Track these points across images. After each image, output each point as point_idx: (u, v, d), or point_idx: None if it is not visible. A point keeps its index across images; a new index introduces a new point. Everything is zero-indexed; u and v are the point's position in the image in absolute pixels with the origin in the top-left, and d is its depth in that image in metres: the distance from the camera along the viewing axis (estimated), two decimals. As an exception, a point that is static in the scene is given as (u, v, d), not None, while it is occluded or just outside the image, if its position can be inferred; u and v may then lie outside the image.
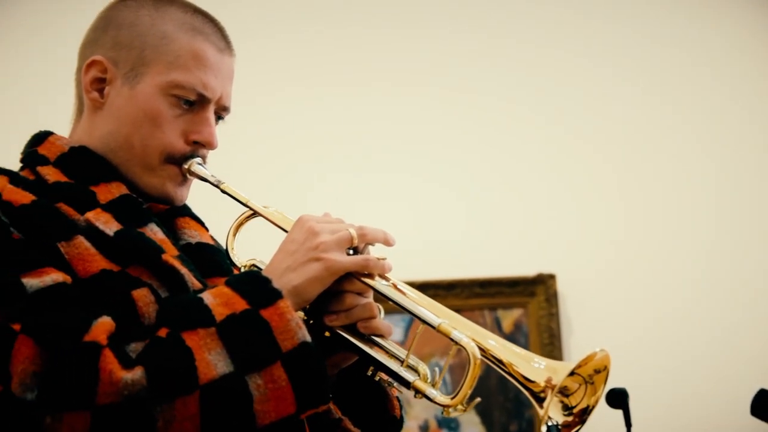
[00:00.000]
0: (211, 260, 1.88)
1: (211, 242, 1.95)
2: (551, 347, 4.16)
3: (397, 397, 1.91)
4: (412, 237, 4.14)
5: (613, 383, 2.01)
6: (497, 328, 4.24)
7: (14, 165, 1.84)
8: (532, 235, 4.35)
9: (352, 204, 4.16)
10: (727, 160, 4.38)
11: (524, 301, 4.29)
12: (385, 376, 1.78)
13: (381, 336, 1.77)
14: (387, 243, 1.77)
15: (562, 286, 4.28)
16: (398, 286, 1.77)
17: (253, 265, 1.84)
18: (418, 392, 1.73)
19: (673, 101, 4.44)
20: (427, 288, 4.08)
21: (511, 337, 4.14)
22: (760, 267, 4.28)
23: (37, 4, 4.59)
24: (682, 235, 4.32)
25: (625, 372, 2.37)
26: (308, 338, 1.62)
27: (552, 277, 4.28)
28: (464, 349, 1.69)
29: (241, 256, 1.88)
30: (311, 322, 1.74)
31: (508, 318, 4.30)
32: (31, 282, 1.59)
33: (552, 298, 4.26)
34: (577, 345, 4.21)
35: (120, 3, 1.92)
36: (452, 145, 4.47)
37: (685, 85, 4.44)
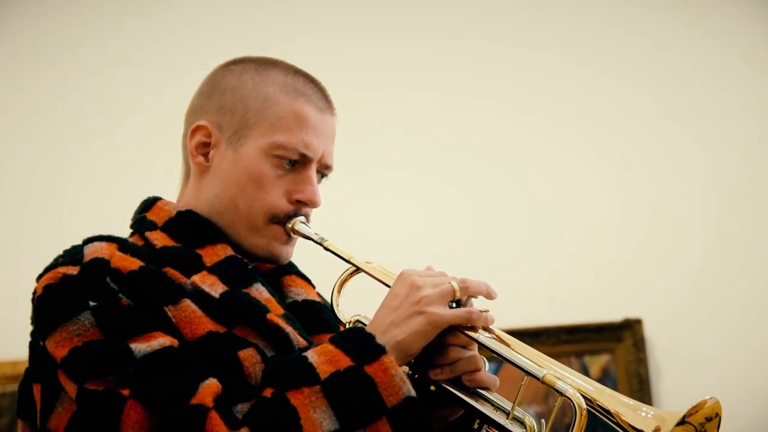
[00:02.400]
0: (318, 317, 1.90)
1: (318, 299, 1.97)
2: (641, 393, 4.10)
3: None
4: (498, 286, 4.11)
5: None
6: (585, 374, 4.18)
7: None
8: (618, 279, 4.30)
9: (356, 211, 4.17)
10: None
11: (611, 347, 4.24)
12: (492, 429, 1.77)
13: (486, 389, 1.76)
14: (489, 296, 1.78)
15: (649, 331, 4.22)
16: (502, 338, 1.77)
17: (358, 321, 1.85)
18: (524, 445, 1.72)
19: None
20: (513, 335, 4.07)
21: (599, 384, 4.08)
22: None
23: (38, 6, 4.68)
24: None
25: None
26: (413, 393, 1.62)
27: (639, 321, 4.22)
28: (570, 400, 1.68)
29: (347, 312, 1.89)
30: (416, 376, 1.74)
31: (596, 364, 4.25)
32: (140, 347, 1.62)
33: (639, 343, 4.19)
34: (667, 391, 4.14)
35: (224, 68, 1.97)
36: (532, 189, 4.45)
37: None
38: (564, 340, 4.22)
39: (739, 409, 3.95)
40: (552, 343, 4.20)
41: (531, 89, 4.49)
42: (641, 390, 4.12)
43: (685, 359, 4.18)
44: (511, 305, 4.18)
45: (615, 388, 4.07)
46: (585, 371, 4.22)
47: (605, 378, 4.21)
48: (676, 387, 4.13)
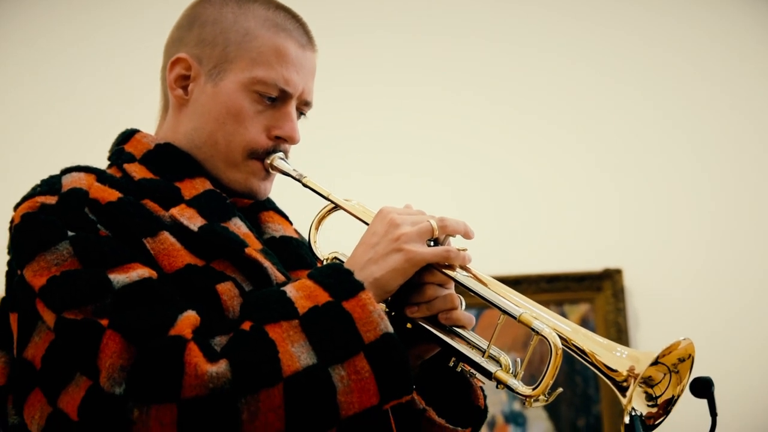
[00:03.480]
0: (295, 253, 1.89)
1: (295, 235, 1.96)
2: (619, 342, 4.11)
3: (481, 387, 1.91)
4: (479, 232, 4.12)
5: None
6: (564, 323, 4.21)
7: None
8: (599, 230, 4.34)
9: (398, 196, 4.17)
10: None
11: (591, 296, 4.27)
12: (467, 367, 1.78)
13: (462, 327, 1.77)
14: (467, 235, 1.78)
15: (629, 281, 4.26)
16: (479, 277, 1.77)
17: (336, 258, 1.85)
18: (499, 383, 1.72)
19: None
20: (493, 282, 4.10)
21: (578, 333, 4.11)
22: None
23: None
24: (748, 226, 4.28)
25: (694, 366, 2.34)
26: (390, 329, 1.62)
27: (618, 272, 4.26)
28: (546, 339, 1.69)
29: (324, 249, 1.89)
30: (393, 313, 1.75)
31: (575, 313, 4.28)
32: (118, 278, 1.61)
33: (619, 293, 4.23)
34: (645, 339, 4.17)
35: (205, 0, 1.94)
36: (514, 142, 4.47)
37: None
38: (544, 289, 4.25)
39: (714, 357, 4.00)
40: (532, 292, 4.22)
41: (525, 89, 4.50)
42: (619, 339, 4.15)
43: (664, 309, 4.21)
44: (492, 252, 4.20)
45: (593, 337, 4.10)
46: (564, 320, 4.24)
47: (584, 327, 4.20)
48: (654, 337, 4.16)
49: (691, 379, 1.73)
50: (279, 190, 1.98)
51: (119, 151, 1.88)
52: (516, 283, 4.22)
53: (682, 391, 1.72)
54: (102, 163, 1.88)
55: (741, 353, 4.12)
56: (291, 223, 2.00)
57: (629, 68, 4.47)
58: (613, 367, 1.71)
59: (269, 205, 1.98)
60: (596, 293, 4.26)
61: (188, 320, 1.59)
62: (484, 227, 4.16)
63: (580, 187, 4.40)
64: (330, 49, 4.40)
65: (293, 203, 2.06)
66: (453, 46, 4.56)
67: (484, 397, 1.92)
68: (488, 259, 4.10)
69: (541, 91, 4.49)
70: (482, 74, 4.52)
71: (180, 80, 1.90)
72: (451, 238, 1.79)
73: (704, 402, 2.31)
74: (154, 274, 1.64)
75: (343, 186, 4.15)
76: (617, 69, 4.48)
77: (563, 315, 4.16)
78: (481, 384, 1.89)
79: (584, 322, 4.25)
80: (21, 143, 4.56)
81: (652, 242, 4.30)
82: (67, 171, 1.79)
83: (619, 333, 4.17)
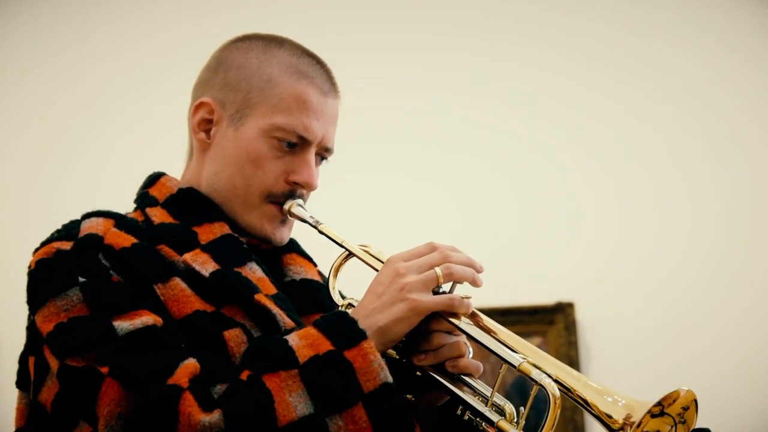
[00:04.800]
0: (314, 297, 1.90)
1: (317, 278, 1.97)
2: (570, 375, 4.15)
3: None
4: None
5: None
6: (515, 356, 4.22)
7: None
8: (551, 264, 4.37)
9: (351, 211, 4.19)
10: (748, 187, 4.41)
11: (543, 330, 4.30)
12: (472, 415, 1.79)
13: (470, 375, 1.78)
14: (474, 284, 1.79)
15: (581, 315, 4.29)
16: (486, 325, 1.78)
17: (350, 305, 1.85)
18: (501, 432, 1.74)
19: (700, 134, 4.47)
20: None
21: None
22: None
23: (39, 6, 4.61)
24: (702, 261, 4.34)
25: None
26: (390, 379, 1.62)
27: (571, 305, 4.29)
28: (544, 389, 1.70)
29: (349, 292, 1.90)
30: (404, 361, 1.75)
31: (527, 346, 4.29)
32: (122, 325, 1.61)
33: (571, 327, 4.27)
34: (597, 373, 4.21)
35: (232, 44, 1.96)
36: (471, 173, 4.48)
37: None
38: (497, 322, 4.25)
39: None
40: (485, 325, 4.24)
41: (522, 89, 4.53)
42: (575, 373, 4.17)
43: (616, 343, 4.25)
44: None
45: (545, 370, 4.12)
46: (516, 353, 4.25)
47: (536, 360, 4.25)
48: (606, 370, 4.21)
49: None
50: (306, 236, 1.98)
51: (144, 195, 1.91)
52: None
53: None
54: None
55: (692, 386, 4.17)
56: (315, 266, 2.01)
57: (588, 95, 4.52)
58: (611, 415, 1.72)
59: (293, 248, 1.99)
60: (548, 326, 4.29)
61: (187, 369, 1.58)
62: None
63: (532, 220, 4.43)
64: (330, 48, 4.43)
65: (318, 249, 2.06)
66: (445, 47, 4.58)
67: None
68: (457, 294, 4.13)
69: (501, 126, 4.51)
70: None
71: (203, 124, 1.92)
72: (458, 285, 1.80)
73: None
74: (159, 321, 1.64)
75: (343, 187, 4.21)
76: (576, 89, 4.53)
77: (516, 348, 4.23)
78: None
79: (537, 356, 4.27)
80: (21, 143, 4.50)
81: (604, 276, 4.34)
82: (87, 216, 1.81)
83: (571, 366, 4.15)
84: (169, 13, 4.47)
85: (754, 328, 4.25)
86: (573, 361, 4.23)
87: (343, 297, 1.91)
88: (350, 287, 1.93)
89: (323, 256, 2.02)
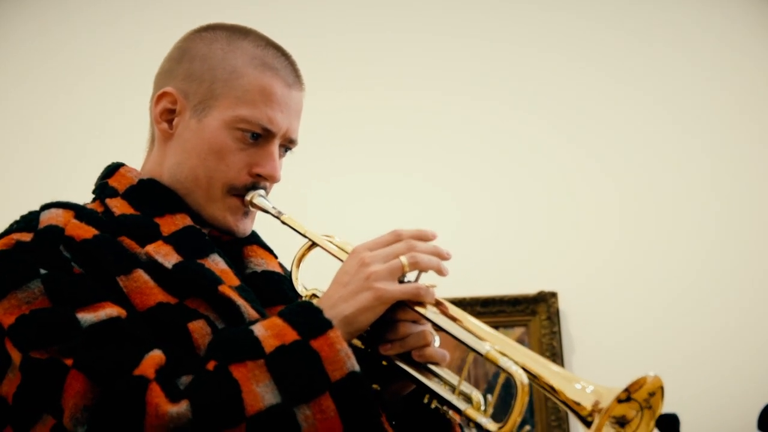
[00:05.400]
0: (276, 288, 1.89)
1: (279, 270, 1.96)
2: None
3: (460, 425, 1.91)
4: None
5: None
6: (498, 346, 4.22)
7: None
8: (533, 253, 4.37)
9: (349, 210, 4.19)
10: (733, 173, 4.41)
11: (526, 320, 4.30)
12: (439, 404, 1.78)
13: (436, 364, 1.77)
14: (440, 273, 1.78)
15: (563, 304, 4.30)
16: (450, 313, 1.77)
17: (314, 295, 1.85)
18: (470, 420, 1.72)
19: (678, 119, 4.47)
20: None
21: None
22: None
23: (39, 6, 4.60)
24: (684, 250, 4.35)
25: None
26: (357, 368, 1.61)
27: (553, 295, 4.30)
28: (512, 376, 1.69)
29: (311, 284, 1.89)
30: (369, 350, 1.75)
31: (510, 337, 4.24)
32: (86, 317, 1.60)
33: (554, 317, 4.27)
34: (579, 363, 4.22)
35: (196, 34, 1.95)
36: (453, 163, 4.48)
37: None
38: (479, 312, 4.26)
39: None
40: (467, 315, 4.24)
41: (522, 89, 4.53)
42: (554, 362, 4.16)
43: (598, 333, 4.26)
44: (426, 276, 4.22)
45: (528, 360, 4.11)
46: (499, 343, 4.24)
47: (519, 350, 4.25)
48: (589, 360, 4.21)
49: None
50: (267, 228, 1.98)
51: (103, 186, 1.89)
52: (451, 306, 4.24)
53: (653, 427, 1.74)
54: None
55: (674, 376, 4.18)
56: (276, 257, 2.00)
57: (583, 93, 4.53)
58: (579, 402, 1.72)
59: (253, 240, 1.98)
60: (531, 317, 4.29)
61: (153, 360, 1.57)
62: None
63: (514, 210, 4.43)
64: (330, 49, 4.45)
65: (280, 238, 2.05)
66: (444, 47, 4.58)
67: None
68: (422, 282, 4.14)
69: (485, 118, 4.52)
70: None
71: (166, 114, 1.90)
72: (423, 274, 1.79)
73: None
74: (123, 313, 1.63)
75: (343, 186, 4.20)
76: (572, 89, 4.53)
77: (498, 338, 4.23)
78: (460, 422, 1.89)
79: (519, 345, 4.27)
80: (21, 143, 4.50)
81: (586, 265, 4.34)
82: (46, 207, 1.78)
83: (554, 356, 4.21)
84: (170, 13, 4.47)
85: (740, 318, 4.28)
86: (556, 352, 4.23)
87: (305, 288, 1.90)
88: (312, 279, 1.92)
89: (285, 248, 2.02)
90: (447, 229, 4.38)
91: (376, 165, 4.47)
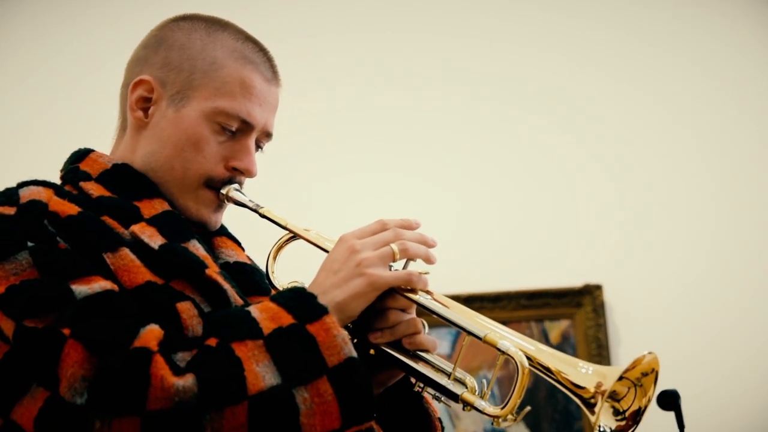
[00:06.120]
0: (250, 279, 1.88)
1: (248, 262, 1.96)
2: (599, 358, 4.13)
3: (439, 419, 1.91)
4: (458, 249, 4.14)
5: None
6: (544, 339, 4.21)
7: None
8: (579, 245, 4.33)
9: (350, 210, 4.19)
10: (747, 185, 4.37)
11: (571, 312, 4.26)
12: (432, 391, 1.77)
13: (426, 351, 1.77)
14: (428, 261, 1.76)
15: (609, 297, 4.26)
16: (441, 300, 1.76)
17: (295, 287, 1.85)
18: (466, 404, 1.72)
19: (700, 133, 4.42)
20: (473, 301, 4.09)
21: (558, 349, 4.10)
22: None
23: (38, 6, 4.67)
24: (729, 241, 4.29)
25: (674, 381, 2.34)
26: (354, 354, 1.61)
27: (599, 287, 4.26)
28: (512, 358, 1.69)
29: (284, 279, 1.89)
30: (356, 340, 1.74)
31: (555, 329, 4.27)
32: (80, 288, 1.59)
33: (599, 309, 4.23)
34: (626, 355, 4.17)
35: (173, 23, 1.95)
36: (497, 158, 4.47)
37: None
38: (524, 305, 4.25)
39: (692, 372, 4.00)
40: (512, 308, 4.23)
41: (522, 89, 4.51)
42: (600, 355, 4.15)
43: (644, 325, 4.21)
44: (472, 269, 4.23)
45: (574, 353, 4.11)
46: (545, 336, 4.24)
47: (564, 343, 4.24)
48: (635, 352, 4.12)
49: (657, 392, 1.74)
50: (236, 222, 1.99)
51: (74, 170, 1.87)
52: (496, 299, 4.24)
53: (648, 402, 1.72)
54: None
55: (720, 368, 4.13)
56: (243, 250, 1.99)
57: (613, 84, 4.49)
58: (581, 384, 1.70)
59: (222, 231, 1.97)
60: (576, 309, 4.26)
61: (152, 333, 1.57)
62: (463, 244, 4.22)
63: (560, 203, 4.40)
64: (329, 49, 4.48)
65: (247, 232, 2.06)
66: (444, 47, 4.57)
67: (442, 429, 1.93)
68: (467, 275, 4.16)
69: (530, 102, 4.49)
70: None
71: (141, 102, 1.88)
72: (411, 262, 1.78)
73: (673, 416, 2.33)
74: (115, 287, 1.62)
75: (343, 186, 4.21)
76: (598, 83, 4.50)
77: (544, 331, 4.23)
78: (438, 416, 1.89)
79: (565, 339, 4.25)
80: (21, 143, 4.56)
81: (632, 258, 4.30)
82: (24, 184, 1.77)
83: (600, 349, 4.17)
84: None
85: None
86: (602, 344, 4.19)
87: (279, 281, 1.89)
88: (282, 273, 1.92)
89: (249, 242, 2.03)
90: (492, 222, 4.37)
91: (376, 165, 4.46)
